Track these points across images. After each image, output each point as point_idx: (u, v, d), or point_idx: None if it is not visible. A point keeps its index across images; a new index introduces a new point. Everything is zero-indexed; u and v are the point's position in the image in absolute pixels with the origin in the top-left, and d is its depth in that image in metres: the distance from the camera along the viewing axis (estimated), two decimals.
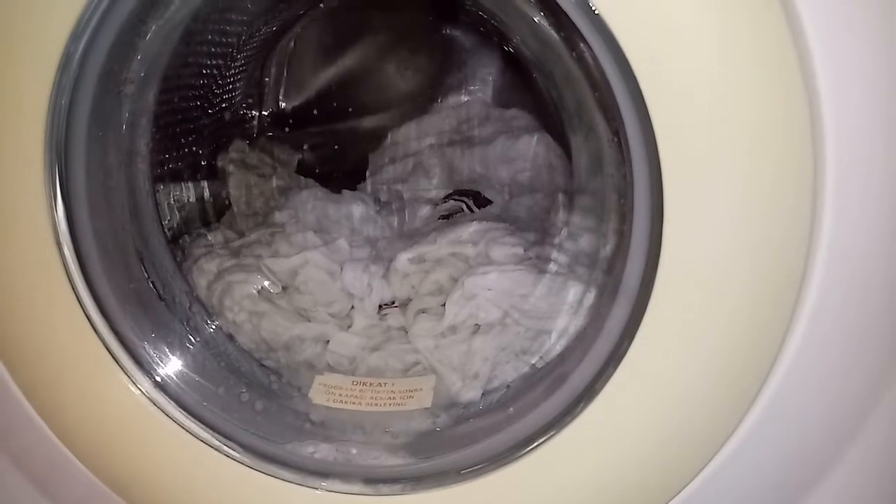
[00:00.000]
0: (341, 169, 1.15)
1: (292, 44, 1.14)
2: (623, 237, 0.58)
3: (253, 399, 0.68)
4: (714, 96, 0.44)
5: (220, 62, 0.96)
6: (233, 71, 1.01)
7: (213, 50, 0.92)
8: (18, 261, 0.59)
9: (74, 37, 0.53)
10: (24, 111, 0.55)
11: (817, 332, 0.48)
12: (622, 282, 0.52)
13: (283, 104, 1.17)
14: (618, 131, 0.50)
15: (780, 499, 0.54)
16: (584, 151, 0.75)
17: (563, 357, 0.65)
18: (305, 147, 1.16)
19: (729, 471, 0.51)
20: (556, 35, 0.60)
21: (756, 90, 0.43)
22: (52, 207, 0.57)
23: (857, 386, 0.50)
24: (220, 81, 0.98)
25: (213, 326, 0.76)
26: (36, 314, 0.60)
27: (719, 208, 0.45)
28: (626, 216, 0.53)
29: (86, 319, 0.60)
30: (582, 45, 0.50)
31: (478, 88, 1.14)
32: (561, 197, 0.83)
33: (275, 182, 1.06)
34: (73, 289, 0.59)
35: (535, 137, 0.99)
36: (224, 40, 0.94)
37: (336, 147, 1.17)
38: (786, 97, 0.43)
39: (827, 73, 0.44)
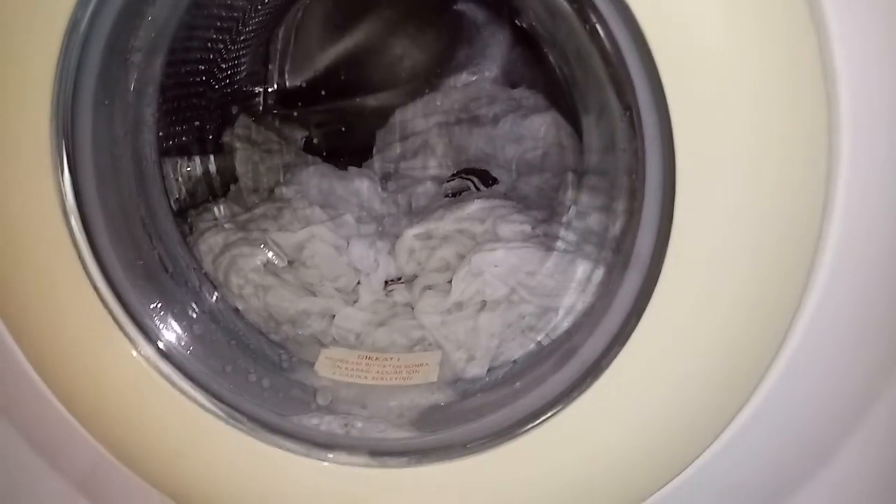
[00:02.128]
0: (348, 146, 1.14)
1: (298, 18, 1.13)
2: (633, 216, 0.58)
3: (260, 377, 0.68)
4: (730, 70, 0.43)
5: (226, 36, 0.95)
6: (238, 45, 1.00)
7: (218, 24, 0.91)
8: (25, 229, 0.59)
9: (82, 2, 0.52)
10: (30, 77, 0.54)
11: (827, 313, 0.48)
12: (632, 258, 0.52)
13: (289, 81, 1.17)
14: (630, 106, 0.50)
15: (788, 477, 0.54)
16: (595, 129, 0.74)
17: (569, 334, 0.65)
18: (312, 124, 1.16)
19: (737, 447, 0.51)
20: (568, 7, 0.59)
21: (774, 64, 0.43)
22: (59, 175, 0.57)
23: (868, 363, 0.50)
24: (225, 56, 0.97)
25: (219, 300, 0.76)
26: (42, 283, 0.60)
27: (733, 185, 0.45)
28: (636, 193, 0.53)
29: (92, 289, 0.60)
30: (594, 16, 0.49)
31: (487, 66, 1.13)
32: (570, 176, 0.82)
33: (281, 159, 1.05)
34: (79, 258, 0.59)
35: (545, 116, 0.99)
36: (229, 14, 0.93)
37: (342, 125, 1.17)
38: (803, 74, 0.43)
39: (844, 49, 0.43)
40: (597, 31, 0.50)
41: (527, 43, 1.08)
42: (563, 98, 0.89)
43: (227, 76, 1.00)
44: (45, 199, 0.58)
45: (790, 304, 0.47)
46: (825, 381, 0.51)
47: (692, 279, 0.47)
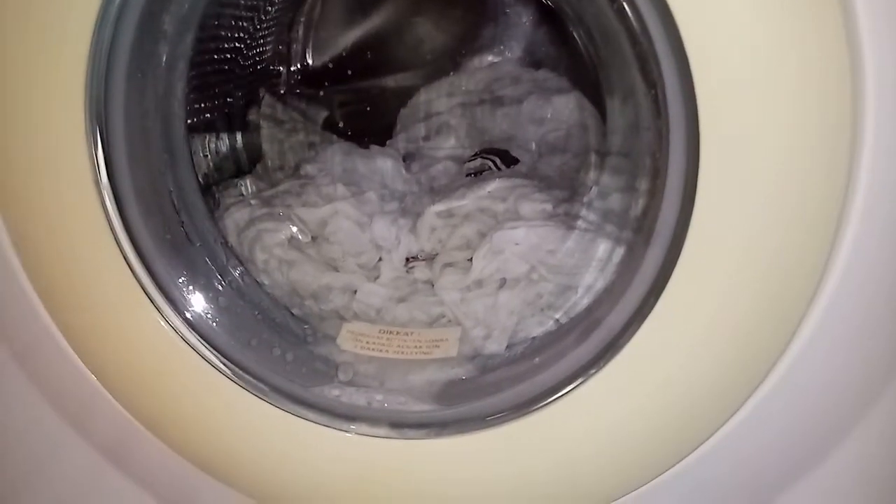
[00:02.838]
0: (370, 126, 1.15)
1: None
2: (655, 195, 0.58)
3: (284, 351, 0.70)
4: (758, 48, 0.43)
5: (253, 14, 0.96)
6: (265, 24, 1.01)
7: (245, 1, 0.92)
8: (59, 203, 0.60)
9: None
10: (66, 50, 0.55)
11: (847, 293, 0.48)
12: (653, 237, 0.52)
13: (313, 60, 1.17)
14: (655, 84, 0.50)
15: (804, 453, 0.55)
16: (619, 110, 0.74)
17: (589, 311, 0.65)
18: (335, 104, 1.16)
19: (753, 425, 0.52)
20: None
21: (802, 40, 0.43)
22: (93, 148, 0.58)
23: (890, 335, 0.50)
24: (252, 34, 0.98)
25: (244, 273, 0.77)
26: (74, 254, 0.62)
27: (756, 165, 0.45)
28: (659, 173, 0.53)
29: (123, 260, 0.61)
30: None
31: (510, 47, 1.13)
32: (593, 156, 0.82)
33: (305, 137, 1.06)
34: (111, 230, 0.61)
35: (569, 97, 0.99)
36: None
37: (365, 104, 1.17)
38: (830, 51, 0.43)
39: (871, 31, 0.43)
40: (624, 10, 0.50)
41: (552, 23, 1.08)
42: (587, 79, 0.88)
43: (254, 54, 1.01)
44: (79, 172, 0.59)
45: (809, 285, 0.48)
46: (844, 359, 0.51)
47: (712, 258, 0.48)
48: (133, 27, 0.57)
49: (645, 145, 0.62)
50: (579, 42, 0.82)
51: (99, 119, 0.59)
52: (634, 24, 0.49)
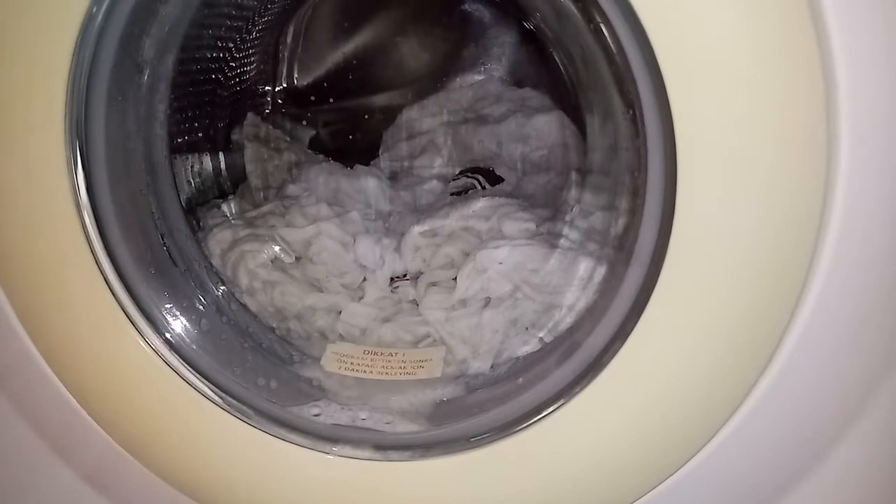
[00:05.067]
0: (355, 145, 1.15)
1: (307, 17, 1.14)
2: (635, 214, 0.59)
3: (268, 373, 0.69)
4: (731, 69, 0.44)
5: (236, 35, 0.96)
6: (248, 44, 1.02)
7: (228, 23, 0.93)
8: (39, 224, 0.60)
9: None
10: (45, 72, 0.55)
11: (826, 308, 0.49)
12: (633, 255, 0.53)
13: (298, 80, 1.18)
14: (633, 105, 0.51)
15: (789, 470, 0.55)
16: (599, 129, 0.75)
17: (572, 331, 0.65)
18: (319, 123, 1.17)
19: (737, 441, 0.52)
20: (573, 7, 0.60)
21: (774, 64, 0.43)
22: (73, 170, 0.58)
23: (866, 359, 0.51)
24: (235, 55, 0.98)
25: (227, 294, 0.77)
26: (54, 276, 0.61)
27: (733, 183, 0.45)
28: (638, 191, 0.53)
29: (104, 282, 0.61)
30: (599, 17, 0.50)
31: (493, 66, 1.14)
32: (574, 175, 0.83)
33: (289, 157, 1.06)
34: (91, 252, 0.60)
35: (550, 116, 0.99)
36: (239, 13, 0.94)
37: (350, 123, 1.18)
38: (804, 75, 0.43)
39: (845, 50, 0.44)
40: (601, 31, 0.50)
41: (533, 43, 1.09)
42: (568, 98, 0.89)
43: (237, 75, 1.01)
44: (58, 193, 0.59)
45: (789, 301, 0.48)
46: (824, 377, 0.51)
47: (693, 276, 0.48)
48: (113, 49, 0.57)
49: (624, 164, 0.63)
50: (559, 63, 0.83)
51: (79, 140, 0.58)
52: (611, 44, 0.50)
